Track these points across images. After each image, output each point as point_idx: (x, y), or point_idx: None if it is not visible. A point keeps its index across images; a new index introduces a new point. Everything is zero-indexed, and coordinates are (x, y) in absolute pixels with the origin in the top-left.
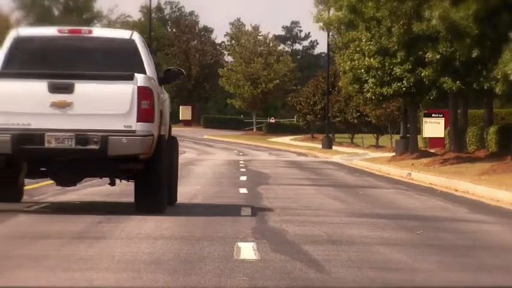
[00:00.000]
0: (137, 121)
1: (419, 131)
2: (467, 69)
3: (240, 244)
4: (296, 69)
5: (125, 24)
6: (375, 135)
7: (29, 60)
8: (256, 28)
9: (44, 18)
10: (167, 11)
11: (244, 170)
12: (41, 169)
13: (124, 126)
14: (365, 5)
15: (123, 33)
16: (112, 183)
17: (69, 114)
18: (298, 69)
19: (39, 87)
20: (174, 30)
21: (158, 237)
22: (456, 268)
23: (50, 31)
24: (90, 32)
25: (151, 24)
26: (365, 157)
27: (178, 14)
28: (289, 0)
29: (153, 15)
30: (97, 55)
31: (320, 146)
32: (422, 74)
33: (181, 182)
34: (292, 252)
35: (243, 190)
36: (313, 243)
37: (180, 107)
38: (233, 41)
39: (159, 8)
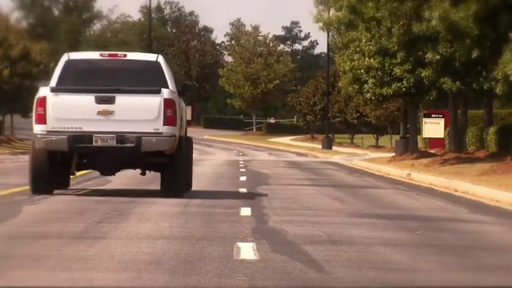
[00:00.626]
0: (164, 125)
1: (419, 131)
2: (467, 69)
3: (240, 244)
4: (296, 69)
5: (125, 24)
6: (375, 135)
7: (77, 78)
8: (256, 28)
9: (44, 18)
10: (167, 11)
11: (244, 170)
12: (88, 162)
13: (153, 129)
14: (365, 6)
15: (150, 56)
16: (143, 174)
17: (111, 120)
18: (298, 69)
19: (89, 99)
20: (174, 30)
21: (158, 237)
22: (456, 268)
23: (93, 55)
24: (125, 55)
25: (150, 24)
26: (365, 157)
27: (178, 14)
28: (289, 0)
29: (153, 15)
30: (131, 74)
31: (320, 146)
32: (422, 75)
33: None
34: (292, 253)
35: (243, 190)
36: (313, 244)
37: None
38: (233, 41)
39: (159, 8)
